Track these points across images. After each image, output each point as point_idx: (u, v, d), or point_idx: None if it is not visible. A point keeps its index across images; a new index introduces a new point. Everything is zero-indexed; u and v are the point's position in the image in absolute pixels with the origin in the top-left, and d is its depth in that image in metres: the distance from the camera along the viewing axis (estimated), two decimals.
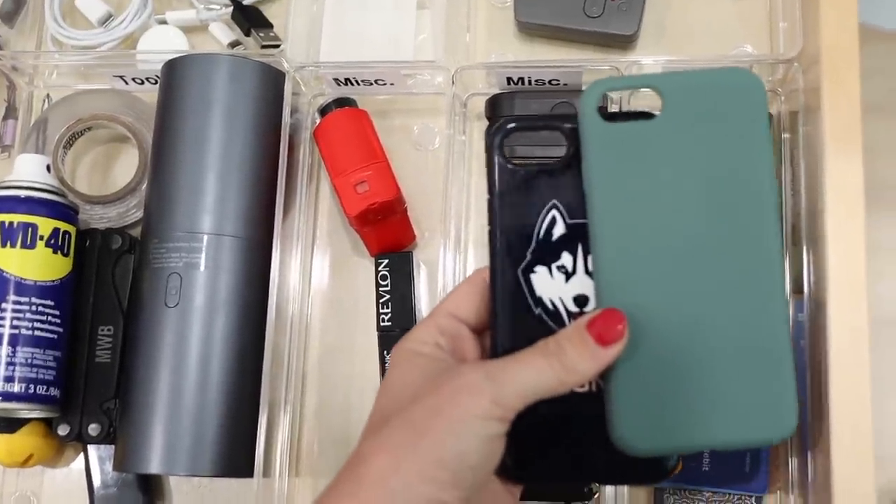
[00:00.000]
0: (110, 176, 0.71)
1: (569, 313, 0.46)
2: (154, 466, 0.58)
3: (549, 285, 0.46)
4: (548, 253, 0.46)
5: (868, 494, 0.51)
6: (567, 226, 0.46)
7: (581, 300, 0.46)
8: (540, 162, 0.46)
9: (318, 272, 0.67)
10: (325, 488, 0.42)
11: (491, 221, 0.46)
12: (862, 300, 0.54)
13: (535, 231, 0.46)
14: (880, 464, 0.58)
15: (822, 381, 0.54)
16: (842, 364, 0.53)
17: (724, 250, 0.44)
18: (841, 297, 0.54)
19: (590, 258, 0.46)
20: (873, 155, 0.57)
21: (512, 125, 0.47)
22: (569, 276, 0.46)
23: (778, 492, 0.60)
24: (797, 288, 0.59)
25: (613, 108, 0.62)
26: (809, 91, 0.59)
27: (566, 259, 0.46)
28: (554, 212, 0.46)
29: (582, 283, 0.46)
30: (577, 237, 0.46)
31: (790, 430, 0.44)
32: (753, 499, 0.60)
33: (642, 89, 0.46)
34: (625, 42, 0.66)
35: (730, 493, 0.60)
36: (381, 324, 0.64)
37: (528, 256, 0.46)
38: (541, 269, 0.46)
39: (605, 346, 0.42)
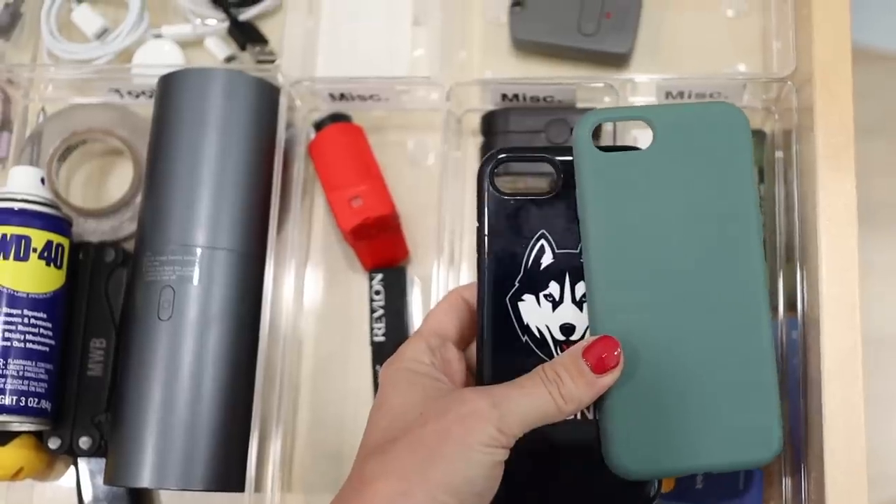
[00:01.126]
0: (104, 189, 0.71)
1: (555, 341, 0.47)
2: (145, 480, 0.58)
3: (537, 313, 0.47)
4: (536, 282, 0.47)
5: (861, 499, 0.51)
6: (555, 255, 0.47)
7: (567, 329, 0.47)
8: (529, 193, 0.48)
9: (312, 286, 0.67)
10: None
11: (479, 249, 0.48)
12: (855, 318, 0.54)
13: (524, 260, 0.47)
14: (880, 482, 0.58)
15: (816, 399, 0.54)
16: (835, 381, 0.53)
17: (711, 278, 0.46)
18: (834, 315, 0.54)
19: (577, 287, 0.47)
20: (867, 176, 0.57)
21: (503, 156, 0.48)
22: (556, 304, 0.47)
23: None
24: (790, 306, 0.59)
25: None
26: (803, 110, 0.59)
27: (553, 288, 0.47)
28: (542, 241, 0.47)
29: (568, 313, 0.47)
30: (565, 267, 0.47)
31: (775, 452, 0.46)
32: None
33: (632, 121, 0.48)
34: (619, 60, 0.67)
35: None
36: (375, 339, 0.64)
37: (517, 285, 0.47)
38: (528, 298, 0.47)
39: (601, 374, 0.43)
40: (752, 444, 0.45)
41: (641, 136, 0.63)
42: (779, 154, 0.63)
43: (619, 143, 0.59)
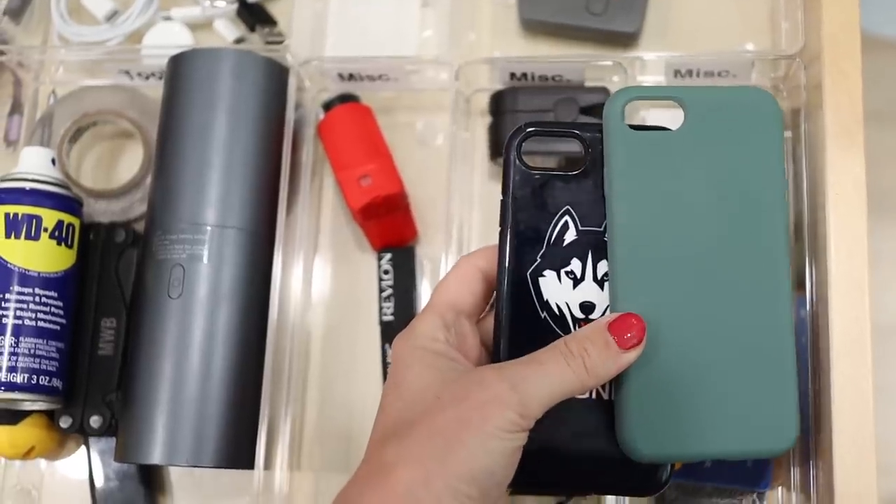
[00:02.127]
0: (115, 171, 0.71)
1: (574, 319, 0.46)
2: (156, 457, 0.58)
3: (557, 290, 0.46)
4: (558, 258, 0.46)
5: (869, 485, 0.51)
6: (578, 232, 0.47)
7: (587, 307, 0.46)
8: (556, 168, 0.47)
9: (321, 266, 0.67)
10: (345, 490, 0.41)
11: (503, 223, 0.47)
12: (864, 295, 0.54)
13: (547, 235, 0.47)
14: (889, 473, 0.58)
15: (825, 378, 0.54)
16: (844, 359, 0.53)
17: (734, 264, 0.46)
18: (843, 293, 0.54)
19: (599, 266, 0.46)
20: (875, 165, 0.57)
21: (532, 129, 0.47)
22: (577, 282, 0.46)
23: (780, 488, 0.59)
24: (799, 284, 0.59)
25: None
26: (811, 88, 0.59)
27: (575, 265, 0.46)
28: (567, 217, 0.47)
29: (589, 291, 0.46)
30: (588, 244, 0.47)
31: (791, 442, 0.45)
32: (756, 494, 0.60)
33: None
34: (627, 39, 0.67)
35: (732, 489, 0.60)
36: (383, 318, 0.65)
37: (538, 260, 0.46)
38: (549, 274, 0.46)
39: (626, 350, 0.42)
40: (767, 433, 0.45)
41: (650, 118, 0.63)
42: (787, 133, 0.63)
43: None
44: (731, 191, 0.46)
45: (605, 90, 0.63)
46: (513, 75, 0.65)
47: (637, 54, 0.64)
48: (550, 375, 0.41)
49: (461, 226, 0.64)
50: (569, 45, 0.68)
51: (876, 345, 0.54)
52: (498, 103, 0.65)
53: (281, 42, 0.68)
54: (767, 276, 0.46)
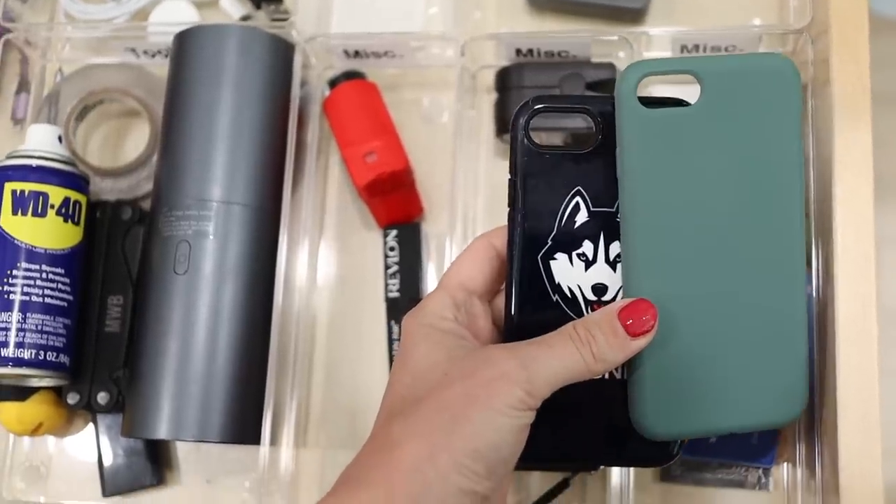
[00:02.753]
0: (121, 149, 0.71)
1: (587, 302, 0.46)
2: (162, 432, 0.59)
3: (569, 272, 0.45)
4: (569, 240, 0.45)
5: (874, 462, 0.51)
6: (590, 213, 0.45)
7: (600, 289, 0.46)
8: (566, 147, 0.46)
9: (327, 243, 0.67)
10: (351, 466, 0.41)
11: (512, 204, 0.46)
12: (870, 271, 0.54)
13: (558, 217, 0.45)
14: (892, 456, 0.58)
15: (831, 352, 0.54)
16: (849, 336, 0.53)
17: (748, 238, 0.45)
18: (849, 270, 0.54)
19: (611, 247, 0.45)
20: (885, 147, 0.57)
21: (540, 105, 0.45)
22: (589, 264, 0.45)
23: (785, 463, 0.59)
24: (806, 260, 0.59)
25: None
26: (819, 63, 0.59)
27: (587, 247, 0.45)
28: (578, 198, 0.45)
29: (601, 273, 0.45)
30: (600, 226, 0.45)
31: (798, 412, 0.45)
32: (761, 471, 0.60)
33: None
34: (634, 15, 0.66)
35: (737, 465, 0.60)
36: (389, 295, 0.65)
37: (549, 242, 0.45)
38: (561, 256, 0.45)
39: (635, 337, 0.42)
40: (777, 403, 0.45)
41: (655, 91, 0.63)
42: None
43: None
44: (747, 165, 0.44)
45: (611, 66, 0.63)
46: (518, 51, 0.65)
47: (643, 29, 0.64)
48: (558, 358, 0.41)
49: (466, 202, 0.64)
50: (575, 21, 0.68)
51: (885, 327, 0.53)
52: (504, 79, 0.65)
53: (286, 19, 0.68)
54: (783, 251, 0.45)
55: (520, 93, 0.63)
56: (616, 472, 0.57)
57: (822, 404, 0.55)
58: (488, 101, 0.67)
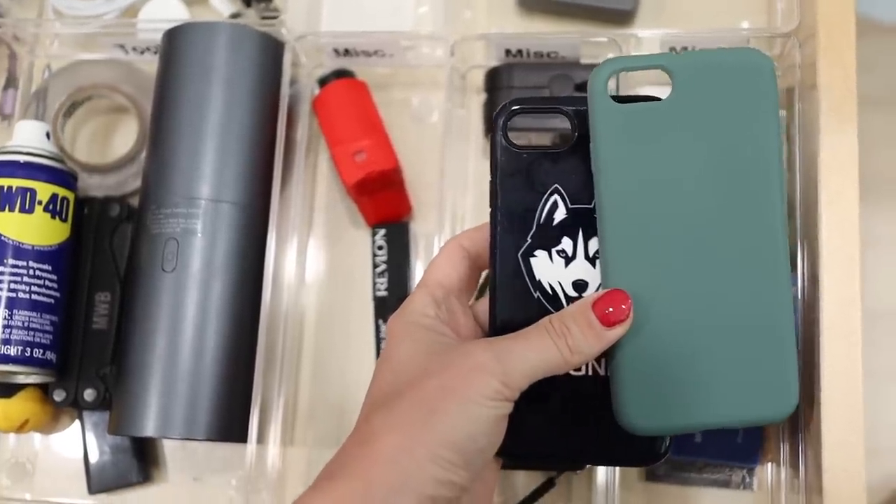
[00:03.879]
0: (109, 146, 0.71)
1: (567, 298, 0.46)
2: (149, 430, 0.59)
3: (549, 270, 0.46)
4: (548, 237, 0.46)
5: (857, 461, 0.52)
6: (568, 210, 0.46)
7: (580, 285, 0.46)
8: (543, 146, 0.46)
9: (315, 241, 0.68)
10: (331, 461, 0.42)
11: (493, 204, 0.47)
12: (855, 272, 0.54)
13: (537, 215, 0.46)
14: (877, 456, 0.58)
15: (815, 354, 0.54)
16: (834, 336, 0.53)
17: (729, 232, 0.45)
18: (834, 271, 0.54)
19: (590, 243, 0.46)
20: (874, 149, 0.57)
21: (516, 107, 0.47)
22: (569, 260, 0.46)
23: (770, 463, 0.60)
24: (791, 262, 0.59)
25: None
26: (806, 67, 0.59)
27: (566, 244, 0.46)
28: (556, 196, 0.46)
29: (581, 269, 0.46)
30: (578, 222, 0.46)
31: (791, 408, 0.45)
32: (745, 470, 0.60)
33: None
34: (623, 17, 0.67)
35: (722, 465, 0.60)
36: (377, 293, 0.65)
37: (529, 240, 0.46)
38: (541, 254, 0.46)
39: (610, 327, 0.43)
40: (766, 399, 0.44)
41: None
42: (782, 112, 0.63)
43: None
44: (724, 158, 0.45)
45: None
46: (508, 52, 0.65)
47: (632, 31, 0.64)
48: (534, 350, 0.42)
49: (455, 202, 0.65)
50: (564, 22, 0.68)
51: (869, 329, 0.54)
52: (493, 80, 0.65)
53: (276, 17, 0.68)
54: (764, 243, 0.45)
55: (509, 93, 0.63)
56: (601, 472, 0.58)
57: (807, 405, 0.55)
58: (478, 101, 0.67)
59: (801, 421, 0.56)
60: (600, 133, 0.44)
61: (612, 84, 0.60)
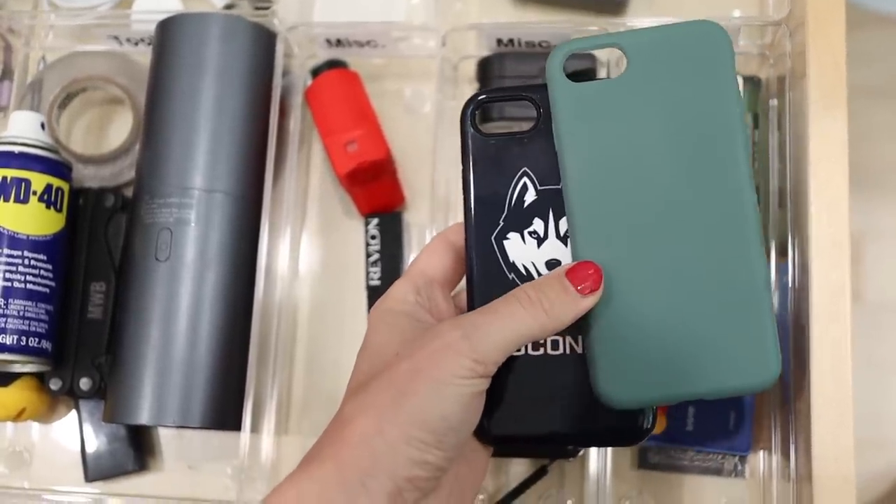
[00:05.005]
0: (104, 137, 0.72)
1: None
2: (144, 418, 0.59)
3: (522, 251, 0.47)
4: (520, 219, 0.47)
5: (847, 449, 0.52)
6: (538, 192, 0.47)
7: (553, 265, 0.46)
8: (510, 132, 0.47)
9: (308, 231, 0.68)
10: (309, 449, 0.42)
11: (465, 191, 0.48)
12: (844, 256, 0.54)
13: (507, 199, 0.47)
14: (881, 446, 0.59)
15: (805, 341, 0.54)
16: (823, 325, 0.54)
17: (697, 203, 0.45)
18: (824, 259, 0.54)
19: (561, 223, 0.47)
20: (869, 140, 0.57)
21: (482, 97, 0.48)
22: (541, 241, 0.47)
23: (761, 451, 0.60)
24: (782, 251, 0.59)
25: (602, 75, 0.63)
26: (796, 55, 0.59)
27: (538, 225, 0.47)
28: (525, 179, 0.47)
29: (554, 248, 0.47)
30: (548, 203, 0.47)
31: (773, 375, 0.44)
32: (737, 458, 0.61)
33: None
34: (615, 7, 0.67)
35: (713, 452, 0.61)
36: (370, 283, 0.65)
37: (501, 223, 0.47)
38: (513, 236, 0.47)
39: (584, 294, 0.43)
40: (747, 368, 0.44)
41: None
42: (773, 101, 0.63)
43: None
44: (686, 130, 0.45)
45: (591, 56, 0.63)
46: (500, 41, 0.65)
47: (624, 20, 0.64)
48: (505, 320, 0.42)
49: (447, 192, 0.65)
50: (556, 12, 0.68)
51: (873, 321, 0.54)
52: (485, 70, 0.65)
53: (269, 7, 0.68)
54: (733, 212, 0.44)
55: (501, 83, 0.64)
56: (594, 459, 0.58)
57: (797, 393, 0.56)
58: (470, 91, 0.67)
59: (793, 410, 0.57)
60: (560, 113, 0.46)
61: (602, 73, 0.61)
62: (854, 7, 0.58)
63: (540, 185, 0.47)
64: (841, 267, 0.54)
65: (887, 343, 0.64)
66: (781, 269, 0.59)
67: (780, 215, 0.60)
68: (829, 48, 0.56)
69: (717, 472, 0.61)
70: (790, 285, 0.57)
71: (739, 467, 0.61)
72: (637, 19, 0.65)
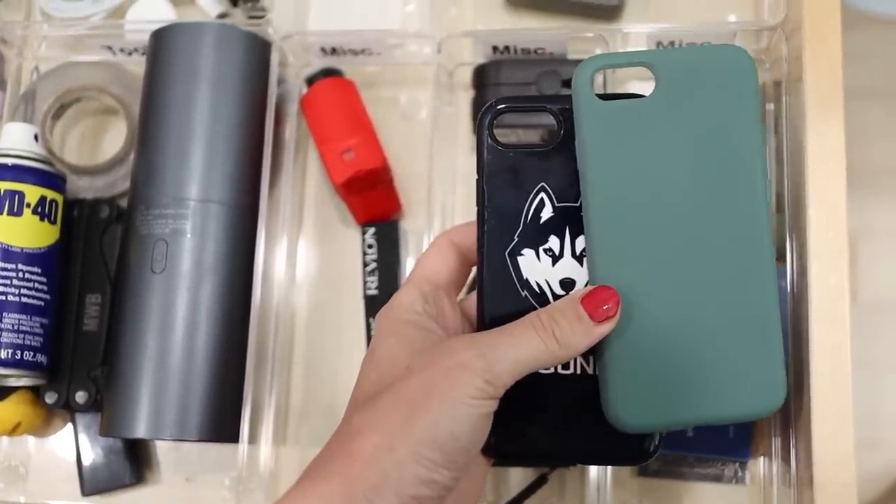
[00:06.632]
0: (98, 147, 0.71)
1: (555, 296, 0.46)
2: (141, 431, 0.59)
3: (537, 268, 0.46)
4: (535, 236, 0.46)
5: (847, 453, 0.52)
6: (555, 209, 0.46)
7: (568, 284, 0.46)
8: (529, 144, 0.47)
9: (305, 241, 0.68)
10: (314, 460, 0.42)
11: (479, 203, 0.47)
12: (843, 260, 0.54)
13: (523, 214, 0.46)
14: (878, 446, 0.58)
15: (804, 346, 0.54)
16: (822, 328, 0.53)
17: (715, 228, 0.45)
18: (822, 262, 0.54)
19: (577, 242, 0.46)
20: (871, 141, 0.57)
21: (502, 106, 0.47)
22: (556, 259, 0.46)
23: (762, 457, 0.60)
24: (779, 256, 0.59)
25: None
26: (792, 60, 0.59)
27: (553, 242, 0.46)
28: (542, 194, 0.46)
29: (569, 267, 0.46)
30: (565, 221, 0.46)
31: (779, 403, 0.45)
32: (737, 464, 0.60)
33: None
34: (610, 13, 0.66)
35: (713, 459, 0.60)
36: (368, 292, 0.65)
37: (516, 239, 0.46)
38: (528, 252, 0.46)
39: (599, 322, 0.42)
40: (755, 394, 0.44)
41: (632, 88, 0.63)
42: (770, 106, 0.63)
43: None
44: (707, 154, 0.45)
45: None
46: (495, 49, 0.65)
47: (619, 27, 0.64)
48: (519, 345, 0.42)
49: (444, 199, 0.65)
50: (551, 19, 0.68)
51: (868, 320, 0.54)
52: (481, 77, 0.65)
53: (263, 16, 0.68)
54: (749, 239, 0.45)
55: (497, 90, 0.63)
56: (594, 468, 0.58)
57: (797, 398, 0.56)
58: (465, 98, 0.67)
59: (792, 415, 0.56)
60: (585, 130, 0.45)
61: (599, 80, 0.60)
62: (845, 8, 0.58)
63: (557, 202, 0.46)
64: (840, 271, 0.54)
65: (882, 343, 0.64)
66: (779, 274, 0.59)
67: (778, 219, 0.60)
68: (826, 52, 0.56)
69: (718, 478, 0.61)
70: (788, 290, 0.57)
71: (740, 474, 0.60)
72: (631, 25, 0.65)
